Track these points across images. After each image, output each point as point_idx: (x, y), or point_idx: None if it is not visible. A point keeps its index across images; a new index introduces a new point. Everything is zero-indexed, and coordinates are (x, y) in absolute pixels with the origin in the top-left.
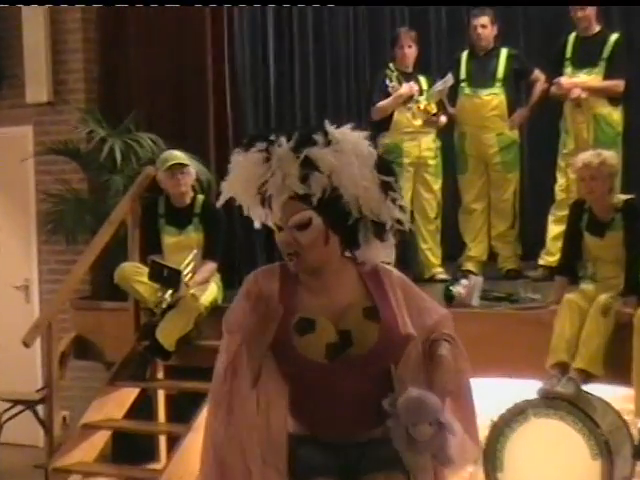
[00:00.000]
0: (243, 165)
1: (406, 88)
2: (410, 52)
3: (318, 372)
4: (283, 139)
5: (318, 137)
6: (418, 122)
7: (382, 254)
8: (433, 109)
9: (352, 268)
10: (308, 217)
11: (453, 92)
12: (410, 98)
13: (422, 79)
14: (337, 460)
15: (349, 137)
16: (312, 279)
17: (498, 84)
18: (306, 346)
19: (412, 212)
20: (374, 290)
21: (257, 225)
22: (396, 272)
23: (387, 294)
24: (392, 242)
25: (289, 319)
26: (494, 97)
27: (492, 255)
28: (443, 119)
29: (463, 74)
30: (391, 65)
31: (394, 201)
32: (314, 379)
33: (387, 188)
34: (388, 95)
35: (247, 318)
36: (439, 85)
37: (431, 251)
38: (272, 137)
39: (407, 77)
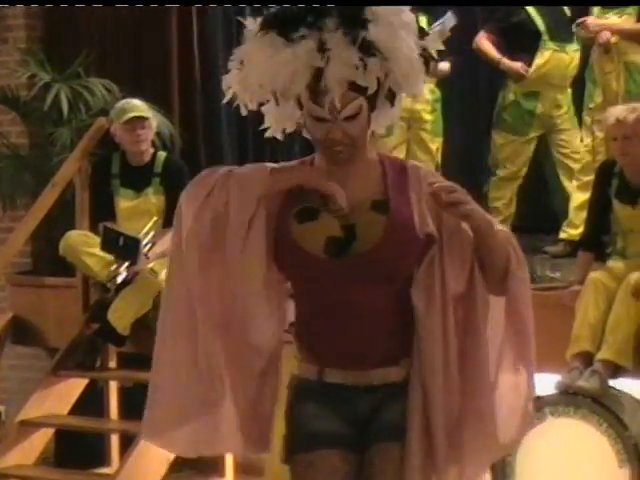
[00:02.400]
0: (289, 56)
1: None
2: None
3: (316, 270)
4: (329, 20)
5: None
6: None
7: (390, 118)
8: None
9: (377, 162)
10: (360, 106)
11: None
12: None
13: (422, 19)
14: (344, 416)
15: (388, 9)
16: (336, 169)
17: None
18: (304, 235)
19: None
20: (393, 184)
21: (277, 134)
22: (426, 168)
23: (407, 189)
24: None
25: (292, 206)
26: (577, 53)
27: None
28: (444, 66)
29: (541, 25)
30: None
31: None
32: (314, 281)
33: (428, 60)
34: None
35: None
36: (437, 26)
37: None
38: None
39: None
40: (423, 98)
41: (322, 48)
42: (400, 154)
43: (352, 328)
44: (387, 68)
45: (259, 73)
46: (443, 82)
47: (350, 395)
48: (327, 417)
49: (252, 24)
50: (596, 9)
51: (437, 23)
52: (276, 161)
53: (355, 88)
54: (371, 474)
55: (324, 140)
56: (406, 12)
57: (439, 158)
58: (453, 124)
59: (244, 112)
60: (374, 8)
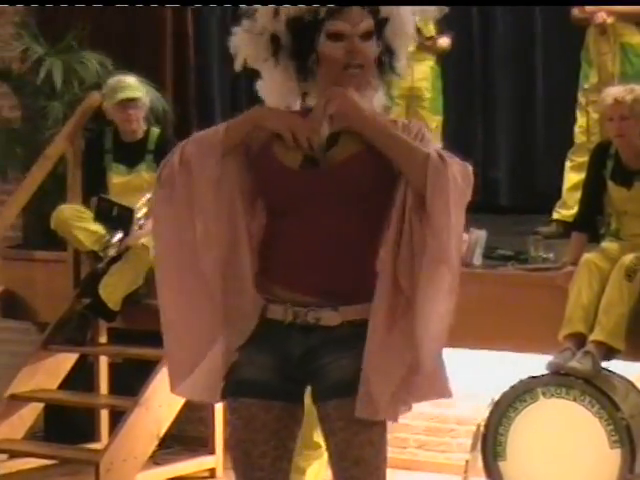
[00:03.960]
0: None
1: None
2: None
3: (292, 183)
4: None
5: None
6: (410, 48)
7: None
8: (430, 31)
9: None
10: (372, 27)
11: None
12: None
13: None
14: (279, 355)
15: None
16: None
17: None
18: (284, 152)
19: None
20: None
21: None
22: (416, 124)
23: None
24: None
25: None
26: None
27: (500, 209)
28: (444, 42)
29: None
30: None
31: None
32: (288, 196)
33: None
34: None
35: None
36: None
37: None
38: None
39: None
40: (423, 75)
41: None
42: None
43: (311, 251)
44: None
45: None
46: (442, 59)
47: (286, 334)
48: (259, 362)
49: None
50: None
51: None
52: None
53: (369, 11)
54: (329, 430)
55: (343, 57)
56: None
57: (439, 136)
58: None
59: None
60: None
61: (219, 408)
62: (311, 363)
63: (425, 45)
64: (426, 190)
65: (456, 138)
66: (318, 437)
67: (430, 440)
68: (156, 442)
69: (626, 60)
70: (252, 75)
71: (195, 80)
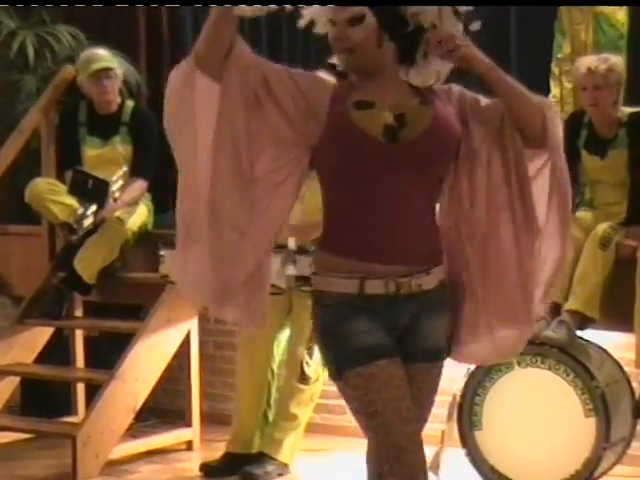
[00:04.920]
0: None
1: None
2: None
3: (373, 152)
4: None
5: None
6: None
7: (439, 73)
8: None
9: (407, 85)
10: (361, 12)
11: None
12: None
13: None
14: (386, 326)
15: None
16: (366, 80)
17: None
18: (364, 120)
19: None
20: (426, 94)
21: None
22: (456, 86)
23: (440, 97)
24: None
25: (346, 100)
26: None
27: None
28: None
29: None
30: None
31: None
32: (369, 165)
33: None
34: None
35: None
36: None
37: None
38: None
39: None
40: None
41: None
42: None
43: (397, 222)
44: None
45: None
46: None
47: (391, 305)
48: (374, 329)
49: None
50: None
51: None
52: None
53: None
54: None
55: (330, 41)
56: None
57: None
58: None
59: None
60: None
61: (195, 380)
62: (415, 328)
63: None
64: (544, 130)
65: None
66: (294, 408)
67: None
68: (133, 415)
69: (599, 29)
70: None
71: (169, 54)
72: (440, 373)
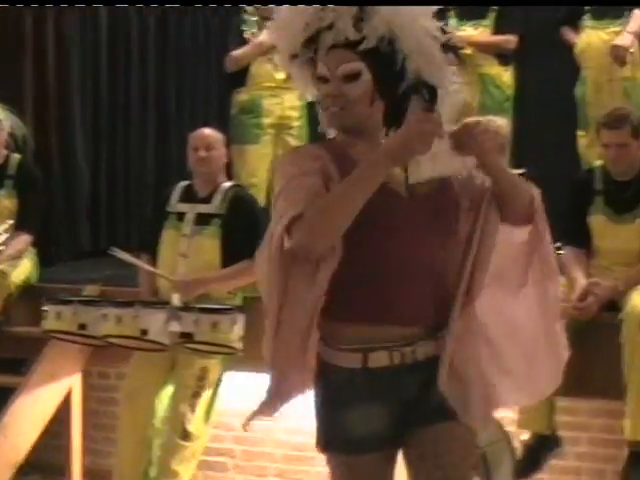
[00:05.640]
0: (291, 10)
1: (267, 35)
2: None
3: (398, 206)
4: None
5: None
6: (281, 76)
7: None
8: None
9: None
10: (358, 68)
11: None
12: (272, 47)
13: None
14: (390, 401)
15: None
16: (354, 139)
17: None
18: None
19: (270, 184)
20: None
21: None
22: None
23: None
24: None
25: (350, 157)
26: None
27: None
28: None
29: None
30: (249, 8)
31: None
32: (390, 222)
33: (450, 49)
34: (245, 43)
35: (315, 184)
36: None
37: None
38: None
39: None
40: (293, 103)
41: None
42: (265, 163)
43: (410, 285)
44: (390, 35)
45: (279, 26)
46: None
47: (396, 377)
48: (371, 414)
49: None
50: (452, 20)
51: None
52: (128, 166)
53: (356, 52)
54: (436, 454)
55: (322, 99)
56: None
57: None
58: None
59: None
60: None
61: (77, 435)
62: (426, 393)
63: None
64: (532, 223)
65: None
66: (176, 465)
67: (289, 468)
68: (14, 470)
69: (485, 91)
70: (113, 107)
71: (55, 107)
72: (471, 438)
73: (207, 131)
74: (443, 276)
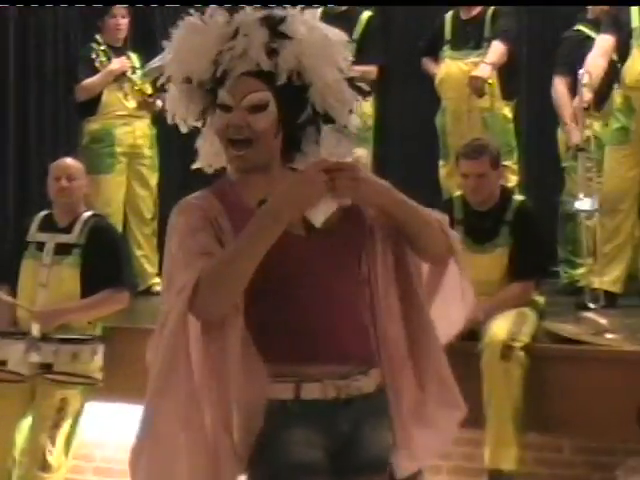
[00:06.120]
0: (198, 29)
1: (117, 64)
2: (124, 23)
3: (298, 248)
4: (248, 7)
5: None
6: (132, 104)
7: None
8: (148, 89)
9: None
10: (266, 98)
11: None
12: (122, 76)
13: (133, 56)
14: (324, 435)
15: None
16: (254, 175)
17: None
18: None
19: (125, 212)
20: None
21: (183, 128)
22: None
23: None
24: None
25: (242, 202)
26: None
27: None
28: (159, 103)
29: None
30: (98, 37)
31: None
32: (295, 263)
33: (357, 87)
34: (96, 72)
35: (208, 243)
36: (156, 61)
37: (147, 259)
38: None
39: (116, 52)
40: (143, 132)
41: (234, 31)
42: (120, 191)
43: (329, 318)
44: (299, 68)
45: (183, 48)
46: (158, 118)
47: (329, 411)
48: (306, 443)
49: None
50: None
51: (156, 59)
52: None
53: (264, 81)
54: None
55: (224, 129)
56: (338, 33)
57: (156, 193)
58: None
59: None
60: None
61: None
62: (356, 438)
63: (146, 103)
64: (444, 253)
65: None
66: None
67: None
68: None
69: None
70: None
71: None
72: None
73: (69, 161)
74: (362, 308)
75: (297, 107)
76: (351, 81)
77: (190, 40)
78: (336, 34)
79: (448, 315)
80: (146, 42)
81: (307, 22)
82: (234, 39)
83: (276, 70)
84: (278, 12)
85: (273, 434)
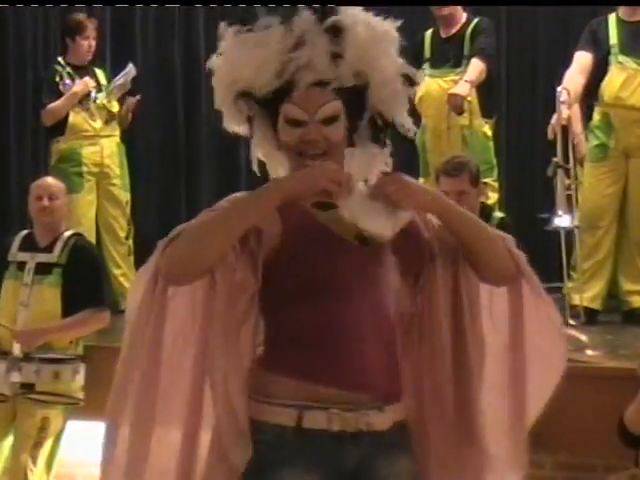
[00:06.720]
0: (258, 42)
1: (80, 85)
2: (94, 45)
3: (348, 255)
4: (303, 9)
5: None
6: (98, 124)
7: (378, 162)
8: (115, 107)
9: None
10: (339, 108)
11: None
12: (87, 96)
13: (99, 72)
14: (326, 473)
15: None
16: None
17: None
18: (332, 222)
19: (98, 231)
20: None
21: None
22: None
23: None
24: (388, 150)
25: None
26: None
27: None
28: (129, 117)
29: (427, 53)
30: (60, 59)
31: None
32: (341, 269)
33: (410, 82)
34: (60, 95)
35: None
36: (120, 78)
37: (126, 277)
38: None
39: (81, 72)
40: (112, 151)
41: (297, 41)
42: (90, 210)
43: (354, 347)
44: (360, 69)
45: (242, 62)
46: (126, 136)
47: (334, 446)
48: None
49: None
50: None
51: (119, 75)
52: None
53: (332, 89)
54: None
55: (297, 145)
56: (386, 22)
57: (129, 212)
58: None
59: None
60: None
61: None
62: (367, 474)
63: (118, 117)
64: (510, 274)
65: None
66: None
67: None
68: None
69: None
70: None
71: None
72: None
73: (50, 180)
74: (390, 334)
75: (360, 109)
76: (408, 80)
77: (248, 54)
78: (385, 24)
79: (547, 356)
80: (125, 44)
81: (358, 17)
82: (298, 49)
83: (341, 75)
84: (332, 14)
85: (268, 470)
